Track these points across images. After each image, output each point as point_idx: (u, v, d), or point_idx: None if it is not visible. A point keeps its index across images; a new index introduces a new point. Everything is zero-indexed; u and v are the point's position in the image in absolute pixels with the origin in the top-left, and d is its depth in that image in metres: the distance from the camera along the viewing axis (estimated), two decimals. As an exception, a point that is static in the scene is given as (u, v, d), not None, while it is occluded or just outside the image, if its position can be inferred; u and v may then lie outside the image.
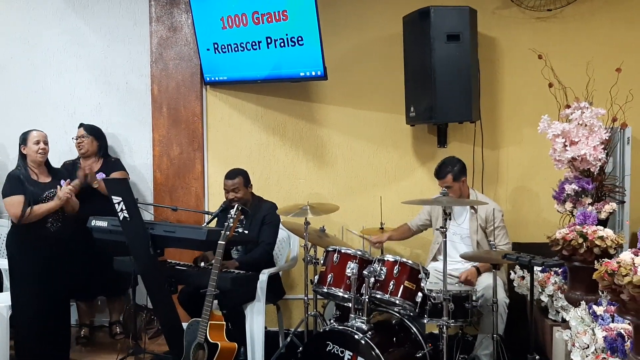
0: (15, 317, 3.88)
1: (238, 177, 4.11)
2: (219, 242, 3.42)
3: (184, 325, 3.62)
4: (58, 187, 3.88)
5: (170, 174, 4.84)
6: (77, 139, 4.53)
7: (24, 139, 3.96)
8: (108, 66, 4.93)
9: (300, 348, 3.61)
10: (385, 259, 3.57)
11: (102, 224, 3.86)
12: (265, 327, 3.98)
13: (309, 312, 4.03)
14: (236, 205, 3.54)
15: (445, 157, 4.12)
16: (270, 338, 4.15)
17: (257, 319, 3.85)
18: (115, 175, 4.43)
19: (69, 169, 4.42)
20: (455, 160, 4.05)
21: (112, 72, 4.93)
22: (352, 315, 3.48)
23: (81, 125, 4.59)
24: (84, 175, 4.21)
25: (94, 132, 4.57)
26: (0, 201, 4.01)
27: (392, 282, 3.47)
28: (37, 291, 3.83)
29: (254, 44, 4.43)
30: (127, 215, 3.56)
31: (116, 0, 4.90)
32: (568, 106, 3.65)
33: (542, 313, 3.58)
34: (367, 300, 3.45)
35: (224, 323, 3.48)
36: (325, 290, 3.66)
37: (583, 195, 3.47)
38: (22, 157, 3.96)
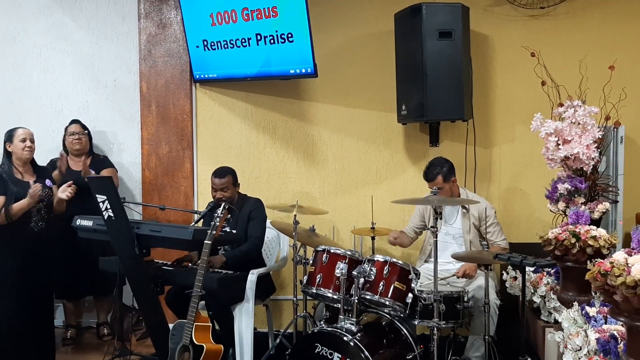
0: (-2, 318, 3.80)
1: (227, 176, 4.04)
2: (206, 241, 3.36)
3: (171, 326, 3.55)
4: (31, 183, 3.78)
5: (159, 172, 4.77)
6: (72, 136, 4.45)
7: (9, 136, 3.88)
8: (96, 63, 4.85)
9: (289, 350, 3.55)
10: (375, 259, 3.51)
11: (87, 223, 3.79)
12: (255, 328, 3.92)
13: (299, 313, 3.97)
14: (223, 204, 3.48)
15: (433, 159, 4.07)
16: (260, 339, 4.09)
17: (245, 320, 3.78)
18: (105, 172, 4.37)
19: (55, 168, 4.36)
20: (444, 161, 4.00)
21: (100, 69, 4.85)
22: (342, 317, 3.41)
23: (76, 121, 4.52)
24: (65, 168, 4.22)
25: (87, 129, 4.52)
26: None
27: (382, 283, 3.41)
28: (19, 292, 3.75)
29: (243, 40, 4.37)
30: (111, 214, 3.49)
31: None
32: (561, 104, 3.60)
33: (535, 314, 3.54)
34: (356, 301, 3.40)
35: (210, 324, 3.42)
36: (314, 291, 3.60)
37: (576, 195, 3.42)
38: (7, 155, 3.89)
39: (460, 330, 3.91)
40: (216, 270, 3.69)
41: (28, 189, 3.76)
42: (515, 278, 3.72)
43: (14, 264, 3.75)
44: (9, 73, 4.86)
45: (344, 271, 3.44)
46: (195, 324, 3.31)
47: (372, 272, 3.44)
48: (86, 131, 4.51)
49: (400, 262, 3.47)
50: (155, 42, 4.75)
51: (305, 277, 3.69)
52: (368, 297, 3.43)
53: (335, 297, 3.51)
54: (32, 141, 3.90)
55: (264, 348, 4.08)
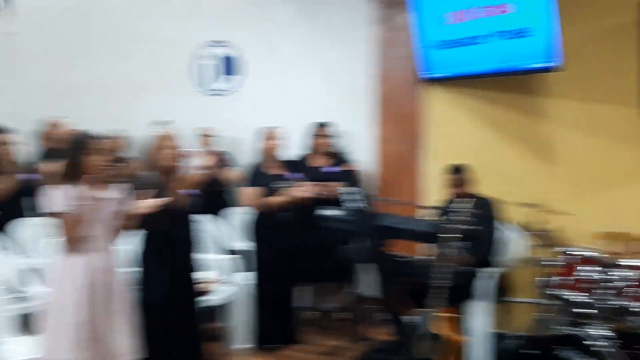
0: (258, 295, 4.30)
1: (462, 172, 4.11)
2: (444, 235, 3.43)
3: (409, 316, 3.69)
4: (290, 182, 4.22)
5: (391, 170, 4.97)
6: (325, 138, 4.75)
7: (260, 134, 4.38)
8: (333, 67, 5.22)
9: (531, 351, 3.48)
10: (630, 263, 3.31)
11: (331, 212, 4.07)
12: (490, 328, 3.90)
13: (537, 316, 3.87)
14: (465, 200, 3.53)
15: None
16: (496, 340, 4.05)
17: (480, 318, 3.80)
18: (346, 167, 4.69)
19: (297, 164, 4.77)
20: None
21: (337, 73, 5.20)
22: (585, 321, 3.27)
23: (328, 124, 4.81)
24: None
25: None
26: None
27: (635, 289, 3.21)
28: (273, 273, 4.21)
29: (478, 38, 4.39)
30: (358, 206, 3.73)
31: (343, 4, 5.17)
32: None
33: None
34: (604, 306, 3.23)
35: (453, 315, 3.48)
36: (556, 293, 3.50)
37: None
38: (260, 150, 4.39)
39: None
40: (454, 265, 3.75)
41: (277, 182, 4.21)
42: None
43: (271, 249, 4.22)
44: (272, 81, 5.40)
45: (589, 274, 3.30)
46: (438, 314, 3.41)
47: (623, 277, 3.25)
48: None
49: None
50: (387, 45, 4.97)
51: (546, 279, 3.60)
52: (617, 302, 3.25)
53: (578, 300, 3.38)
54: (280, 138, 4.36)
55: (496, 348, 4.04)
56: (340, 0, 5.20)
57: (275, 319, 4.30)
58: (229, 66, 5.46)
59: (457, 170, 4.13)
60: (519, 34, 4.16)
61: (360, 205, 3.74)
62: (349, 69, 5.19)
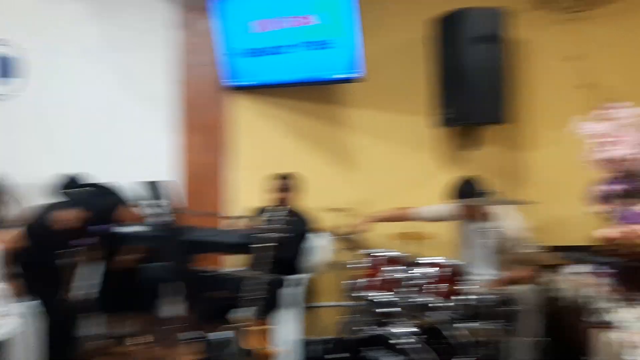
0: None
1: (290, 178, 4.18)
2: (258, 244, 3.35)
3: (217, 333, 3.54)
4: None
5: (197, 181, 4.77)
6: None
7: None
8: (133, 73, 4.87)
9: (337, 354, 3.54)
10: (427, 260, 3.50)
11: (132, 229, 3.78)
12: (299, 336, 3.89)
13: (344, 319, 3.95)
14: (281, 208, 3.50)
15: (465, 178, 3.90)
16: (305, 346, 4.06)
17: (289, 327, 3.77)
18: None
19: None
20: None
21: (137, 79, 4.86)
22: (391, 320, 3.40)
23: None
24: None
25: None
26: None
27: (434, 285, 3.41)
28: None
29: (283, 47, 4.40)
30: (160, 220, 3.49)
31: (141, 6, 4.85)
32: (604, 108, 3.60)
33: (583, 315, 3.51)
34: (407, 304, 3.38)
35: (263, 328, 3.41)
36: (362, 294, 3.58)
37: (631, 197, 3.41)
38: None
39: (508, 334, 3.88)
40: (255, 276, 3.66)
41: None
42: (569, 279, 3.70)
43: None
44: (58, 85, 4.83)
45: (392, 274, 3.44)
46: (248, 328, 3.30)
47: (423, 275, 3.44)
48: None
49: (453, 262, 3.47)
50: (192, 51, 4.77)
51: (352, 282, 3.68)
52: (419, 299, 3.42)
53: (383, 300, 3.50)
54: None
55: (309, 355, 4.05)
56: (138, 3, 4.86)
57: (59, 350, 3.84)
58: (6, 68, 4.81)
59: (285, 176, 4.16)
60: (323, 45, 4.25)
61: (166, 219, 3.50)
62: (148, 75, 4.85)
